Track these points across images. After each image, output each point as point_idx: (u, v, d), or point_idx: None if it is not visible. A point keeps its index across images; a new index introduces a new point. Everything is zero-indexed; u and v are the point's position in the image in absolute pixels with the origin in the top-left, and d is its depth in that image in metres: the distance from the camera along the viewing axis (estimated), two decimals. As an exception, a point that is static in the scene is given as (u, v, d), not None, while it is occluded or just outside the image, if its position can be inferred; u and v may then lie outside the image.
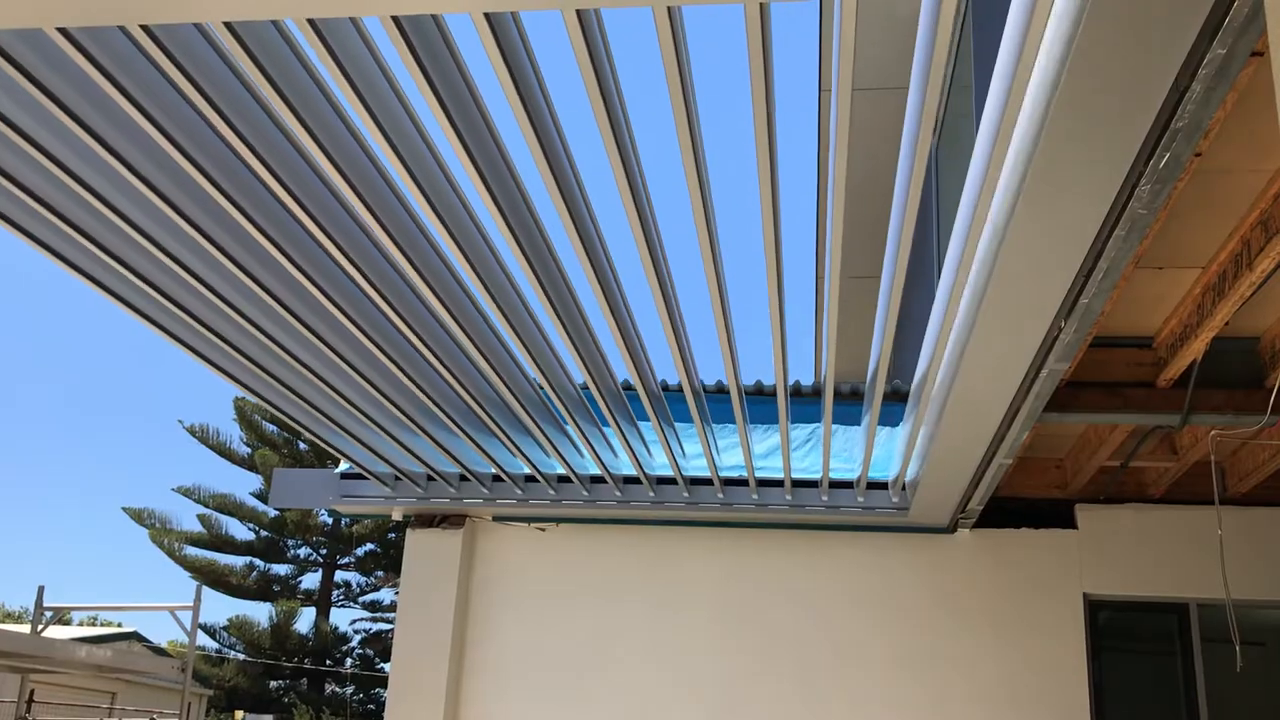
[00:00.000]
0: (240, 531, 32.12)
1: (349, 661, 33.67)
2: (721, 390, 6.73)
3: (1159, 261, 4.62)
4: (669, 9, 2.84)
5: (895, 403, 6.81)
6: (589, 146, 3.50)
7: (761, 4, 2.81)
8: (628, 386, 6.42)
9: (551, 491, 7.33)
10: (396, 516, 7.90)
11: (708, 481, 7.25)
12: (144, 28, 2.94)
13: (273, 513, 31.61)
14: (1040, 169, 3.23)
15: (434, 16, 3.13)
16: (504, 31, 3.06)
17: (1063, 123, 3.02)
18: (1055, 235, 3.62)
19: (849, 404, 7.19)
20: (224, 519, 31.59)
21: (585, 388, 6.06)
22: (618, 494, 7.27)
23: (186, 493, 31.08)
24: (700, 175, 3.57)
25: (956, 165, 4.82)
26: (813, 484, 7.24)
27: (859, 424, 7.10)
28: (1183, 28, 2.69)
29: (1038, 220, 3.52)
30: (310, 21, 2.93)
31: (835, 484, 7.19)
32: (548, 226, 4.22)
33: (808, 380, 7.78)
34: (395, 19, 2.91)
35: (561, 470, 7.11)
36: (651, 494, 7.28)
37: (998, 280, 3.92)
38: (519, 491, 7.38)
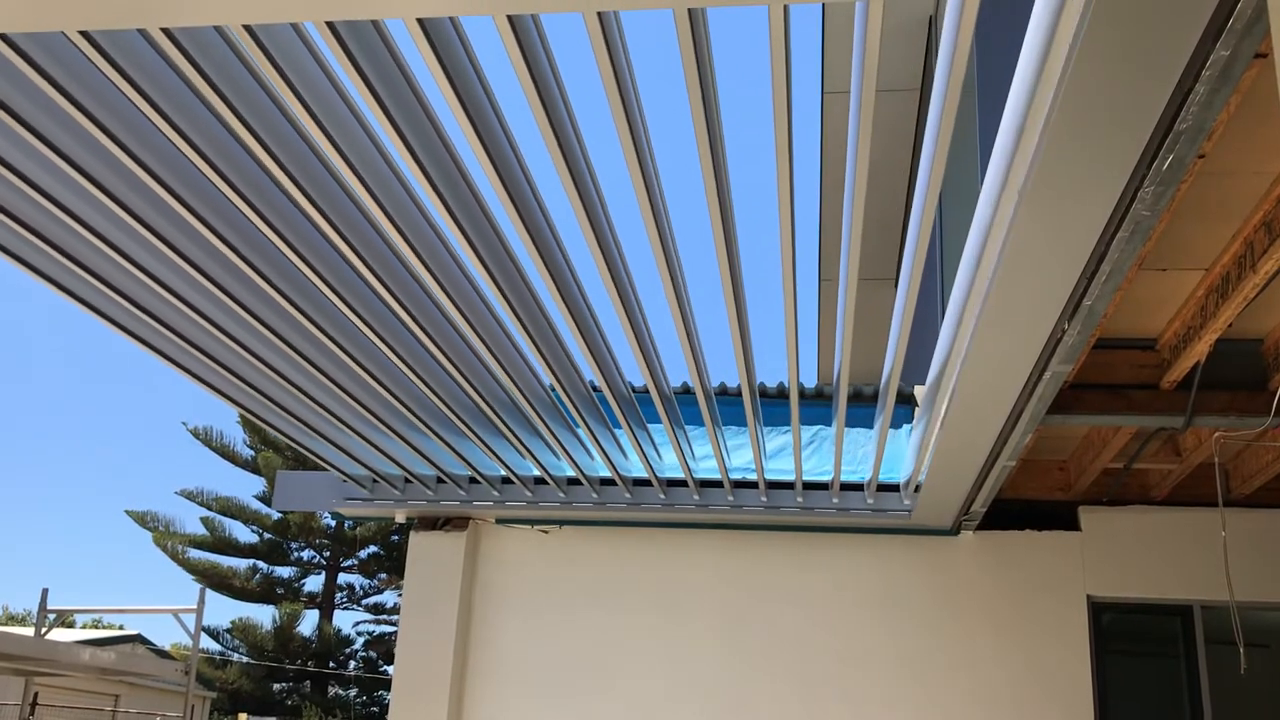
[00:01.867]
0: (243, 534, 32.16)
1: (352, 664, 33.69)
2: (727, 393, 6.74)
3: (1162, 263, 4.62)
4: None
5: (900, 406, 6.79)
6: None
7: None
8: (640, 390, 6.43)
9: (562, 494, 7.36)
10: (399, 519, 7.91)
11: (718, 484, 7.28)
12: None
13: (276, 515, 31.63)
14: (1043, 170, 3.23)
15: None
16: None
17: (1066, 124, 3.02)
18: (1058, 237, 3.62)
19: (863, 406, 7.16)
20: (227, 522, 31.63)
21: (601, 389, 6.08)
22: (628, 496, 7.30)
23: (190, 496, 31.12)
24: (721, 182, 3.58)
25: (959, 167, 4.82)
26: (821, 486, 7.26)
27: (870, 426, 7.10)
28: (1186, 30, 2.69)
29: (1041, 222, 3.52)
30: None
31: (844, 486, 7.20)
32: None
33: (812, 383, 7.78)
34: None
35: (571, 472, 7.13)
36: (663, 496, 7.30)
37: (1001, 282, 3.92)
38: (528, 494, 7.41)
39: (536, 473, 7.20)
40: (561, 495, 7.33)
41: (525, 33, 2.99)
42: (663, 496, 7.26)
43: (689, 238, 4.26)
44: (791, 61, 2.97)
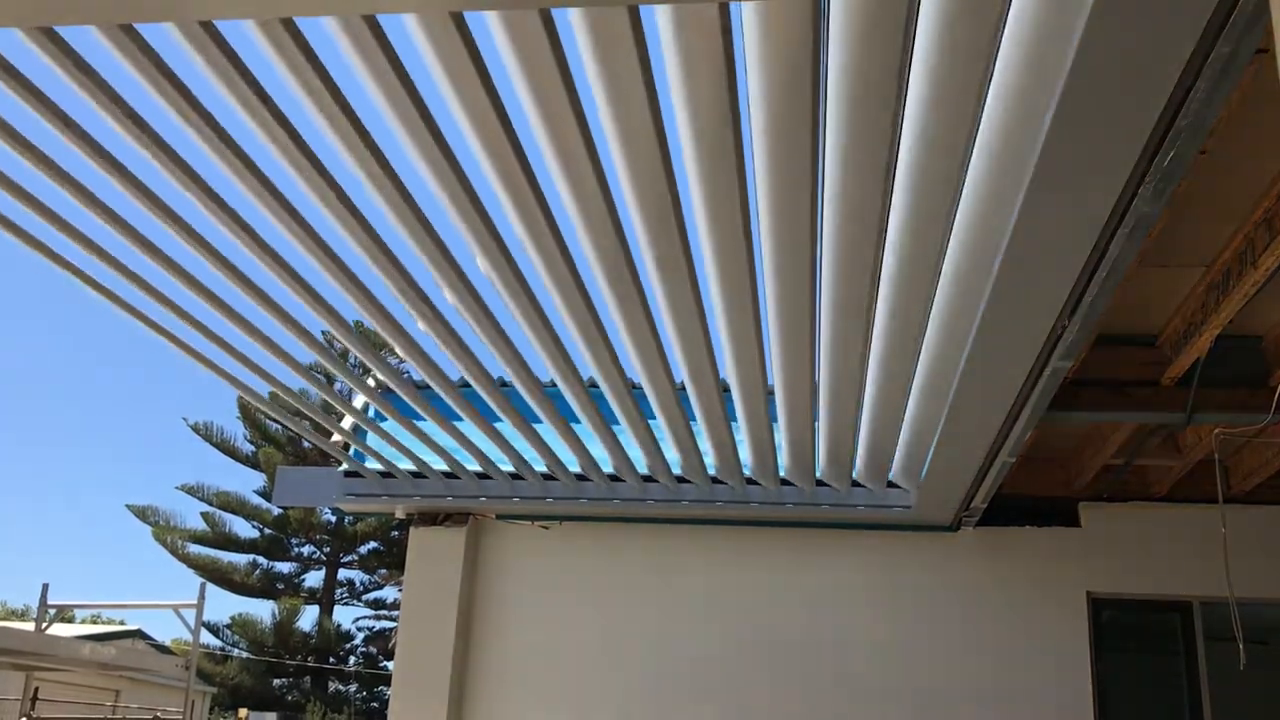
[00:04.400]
0: (244, 529, 32.22)
1: (352, 659, 33.76)
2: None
3: (1163, 259, 4.62)
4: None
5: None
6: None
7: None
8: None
9: (575, 486, 7.35)
10: (400, 514, 7.91)
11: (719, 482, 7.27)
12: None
13: (276, 511, 31.68)
14: (1044, 166, 3.22)
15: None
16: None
17: (1066, 120, 3.01)
18: (1059, 233, 3.61)
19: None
20: (228, 517, 31.69)
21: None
22: (638, 490, 7.28)
23: (190, 491, 31.18)
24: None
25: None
26: (822, 483, 7.25)
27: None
28: (1187, 25, 2.68)
29: (1041, 218, 3.51)
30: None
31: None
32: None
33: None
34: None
35: (578, 468, 7.12)
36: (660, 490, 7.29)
37: (1001, 278, 3.92)
38: (535, 489, 7.39)
39: (543, 468, 7.18)
40: (570, 489, 7.31)
41: (537, 27, 2.98)
42: (670, 489, 7.25)
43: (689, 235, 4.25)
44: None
